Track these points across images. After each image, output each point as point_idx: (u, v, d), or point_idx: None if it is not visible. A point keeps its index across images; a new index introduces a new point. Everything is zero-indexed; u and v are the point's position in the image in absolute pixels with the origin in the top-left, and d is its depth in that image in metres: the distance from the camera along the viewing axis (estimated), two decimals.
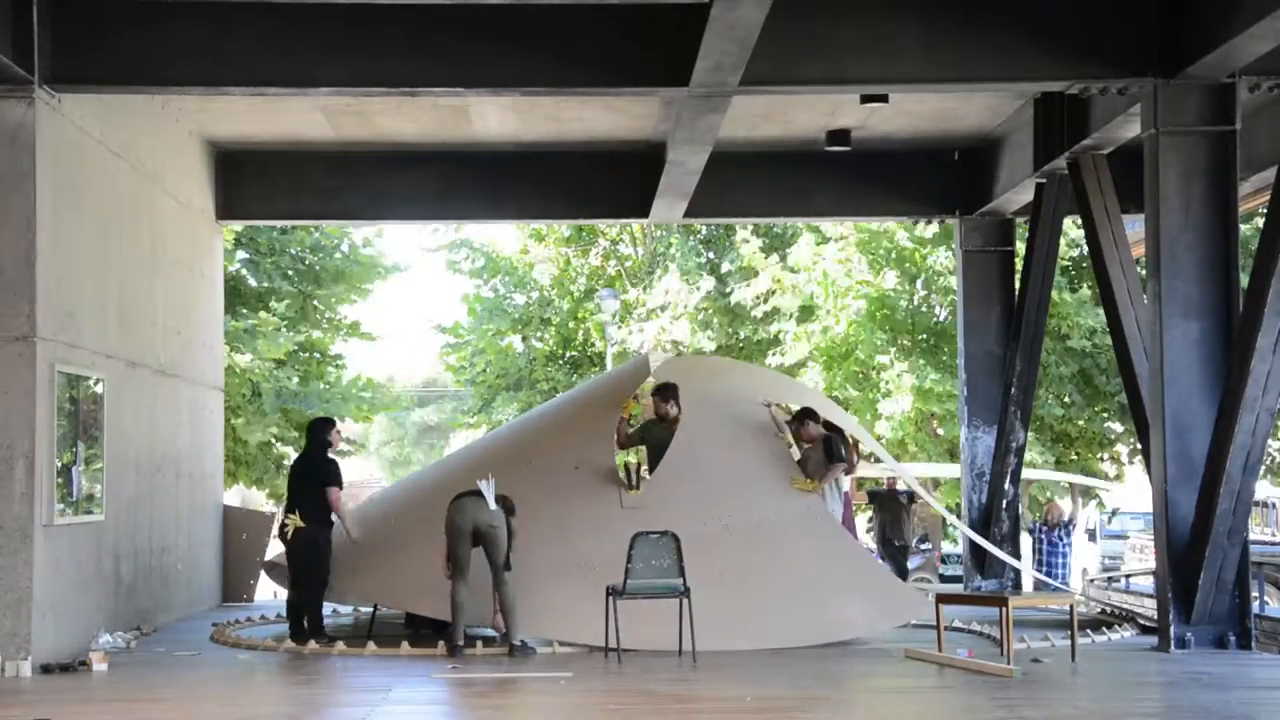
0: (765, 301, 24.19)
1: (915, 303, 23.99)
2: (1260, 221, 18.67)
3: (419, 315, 72.66)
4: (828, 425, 12.97)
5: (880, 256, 23.23)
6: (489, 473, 11.34)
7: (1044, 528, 15.71)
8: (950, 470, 18.84)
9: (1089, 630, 12.15)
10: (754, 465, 12.57)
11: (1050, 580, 15.19)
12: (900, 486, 17.12)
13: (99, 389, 12.03)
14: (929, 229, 22.15)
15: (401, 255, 61.38)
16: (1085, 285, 22.61)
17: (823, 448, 12.56)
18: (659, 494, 12.19)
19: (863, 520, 21.21)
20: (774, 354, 24.26)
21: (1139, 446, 14.01)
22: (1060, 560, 15.51)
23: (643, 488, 12.30)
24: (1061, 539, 15.67)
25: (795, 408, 13.27)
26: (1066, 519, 16.11)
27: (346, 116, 14.46)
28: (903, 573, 15.59)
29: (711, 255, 26.49)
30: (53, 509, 11.00)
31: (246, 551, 16.50)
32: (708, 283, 25.61)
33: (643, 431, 12.99)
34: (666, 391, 12.72)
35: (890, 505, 17.00)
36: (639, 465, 12.96)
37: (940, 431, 23.49)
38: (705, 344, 25.17)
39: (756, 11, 9.87)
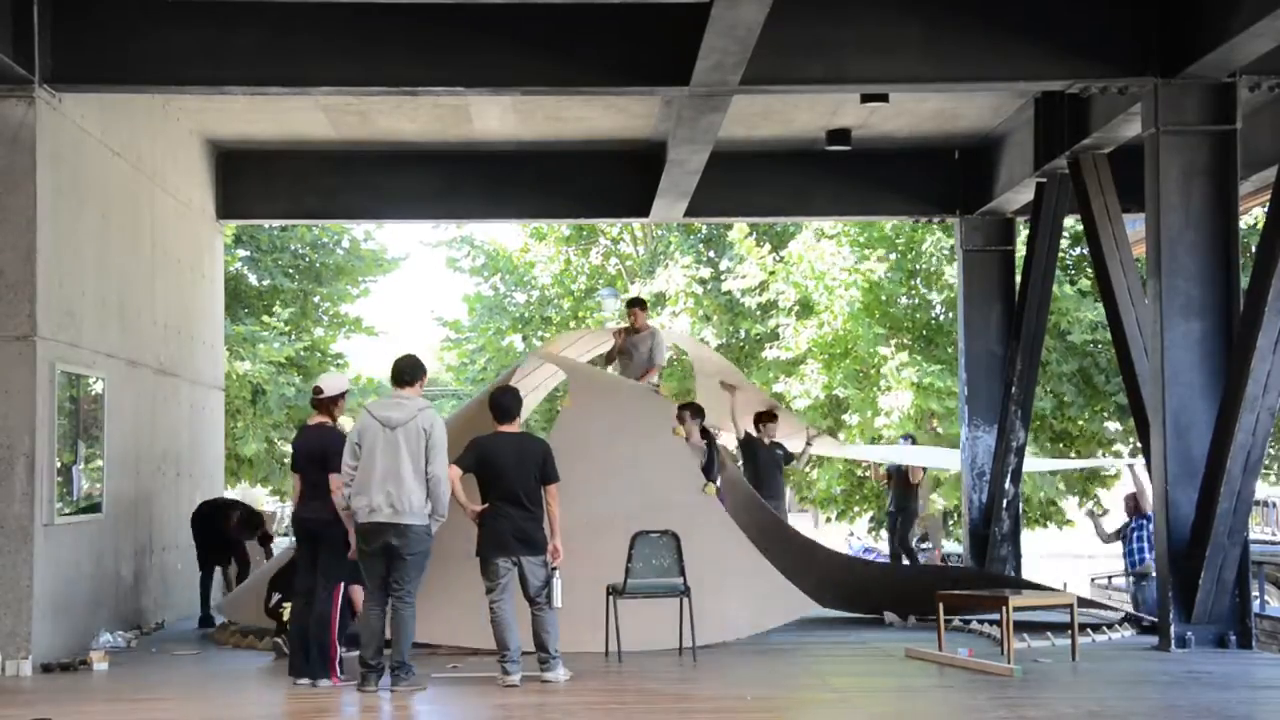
0: (760, 293, 24.15)
1: (913, 298, 23.94)
2: (1251, 218, 18.76)
3: (420, 314, 72.68)
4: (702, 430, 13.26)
5: (872, 242, 23.13)
6: None
7: (1139, 519, 15.45)
8: (950, 461, 18.74)
9: (1089, 630, 12.14)
10: (645, 451, 12.29)
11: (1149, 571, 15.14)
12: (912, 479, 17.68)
13: (99, 388, 12.03)
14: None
15: (402, 248, 61.34)
16: (1083, 276, 22.56)
17: (707, 457, 12.75)
18: None
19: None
20: (772, 348, 24.22)
21: (1139, 446, 14.00)
22: (1150, 548, 15.35)
23: None
24: (1146, 528, 15.40)
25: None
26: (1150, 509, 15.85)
27: (347, 116, 14.46)
28: None
29: (712, 254, 26.45)
30: (53, 508, 11.01)
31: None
32: (705, 273, 25.57)
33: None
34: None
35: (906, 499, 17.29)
36: None
37: (940, 430, 23.44)
38: (708, 339, 25.13)
39: (757, 11, 9.88)
